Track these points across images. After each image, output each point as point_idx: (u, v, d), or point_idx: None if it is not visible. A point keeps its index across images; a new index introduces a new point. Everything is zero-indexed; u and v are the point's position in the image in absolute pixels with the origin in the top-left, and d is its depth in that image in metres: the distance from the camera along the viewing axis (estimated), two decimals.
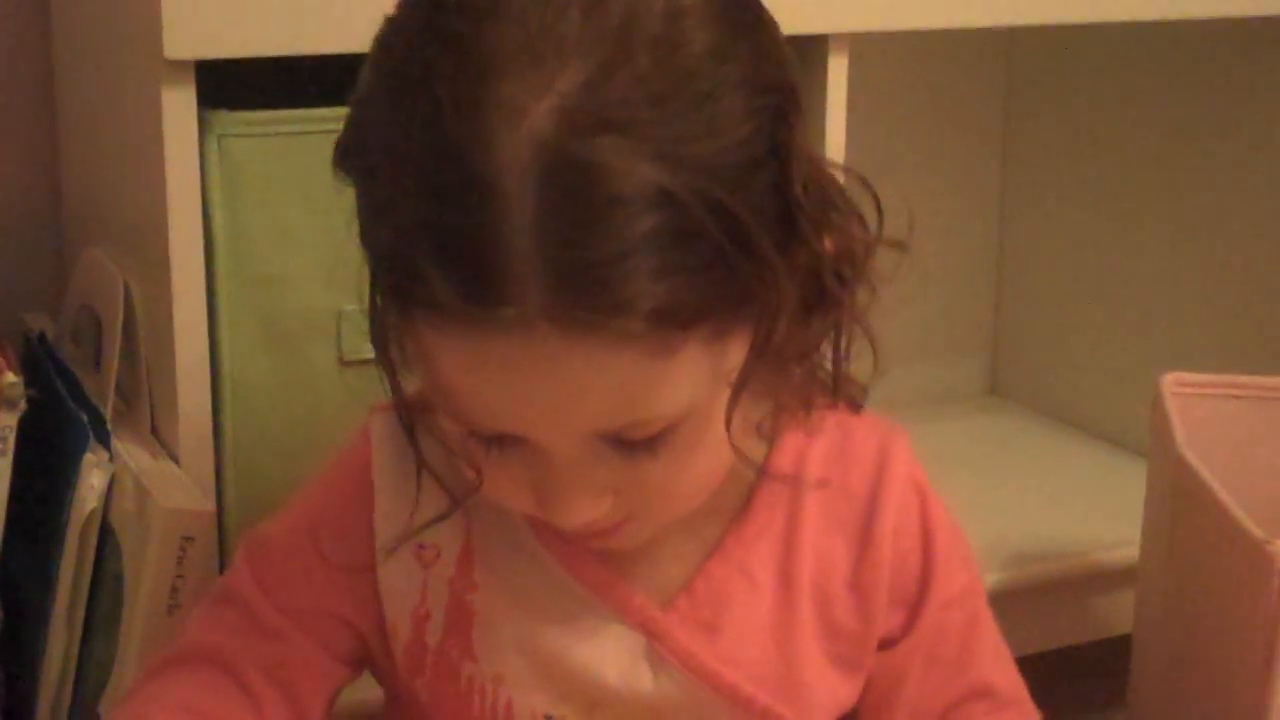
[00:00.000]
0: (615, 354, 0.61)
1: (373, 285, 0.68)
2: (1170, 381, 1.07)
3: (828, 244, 0.68)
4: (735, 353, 0.66)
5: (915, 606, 0.78)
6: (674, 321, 0.61)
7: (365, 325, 0.86)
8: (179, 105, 0.85)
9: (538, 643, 0.74)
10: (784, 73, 0.66)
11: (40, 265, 1.16)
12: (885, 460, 0.77)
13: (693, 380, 0.64)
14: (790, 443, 0.76)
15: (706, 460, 0.69)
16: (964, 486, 0.88)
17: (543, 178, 0.59)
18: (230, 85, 0.89)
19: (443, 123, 0.60)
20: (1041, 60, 1.46)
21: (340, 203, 0.90)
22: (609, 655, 0.74)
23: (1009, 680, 0.82)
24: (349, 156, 0.66)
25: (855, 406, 0.76)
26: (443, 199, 0.60)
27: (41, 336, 1.02)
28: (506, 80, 0.60)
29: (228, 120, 0.88)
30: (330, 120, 0.87)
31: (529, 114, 0.59)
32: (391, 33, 0.65)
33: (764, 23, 0.67)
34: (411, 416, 0.73)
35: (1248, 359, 1.24)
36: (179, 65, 0.85)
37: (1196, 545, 1.01)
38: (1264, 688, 0.91)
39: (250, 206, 0.89)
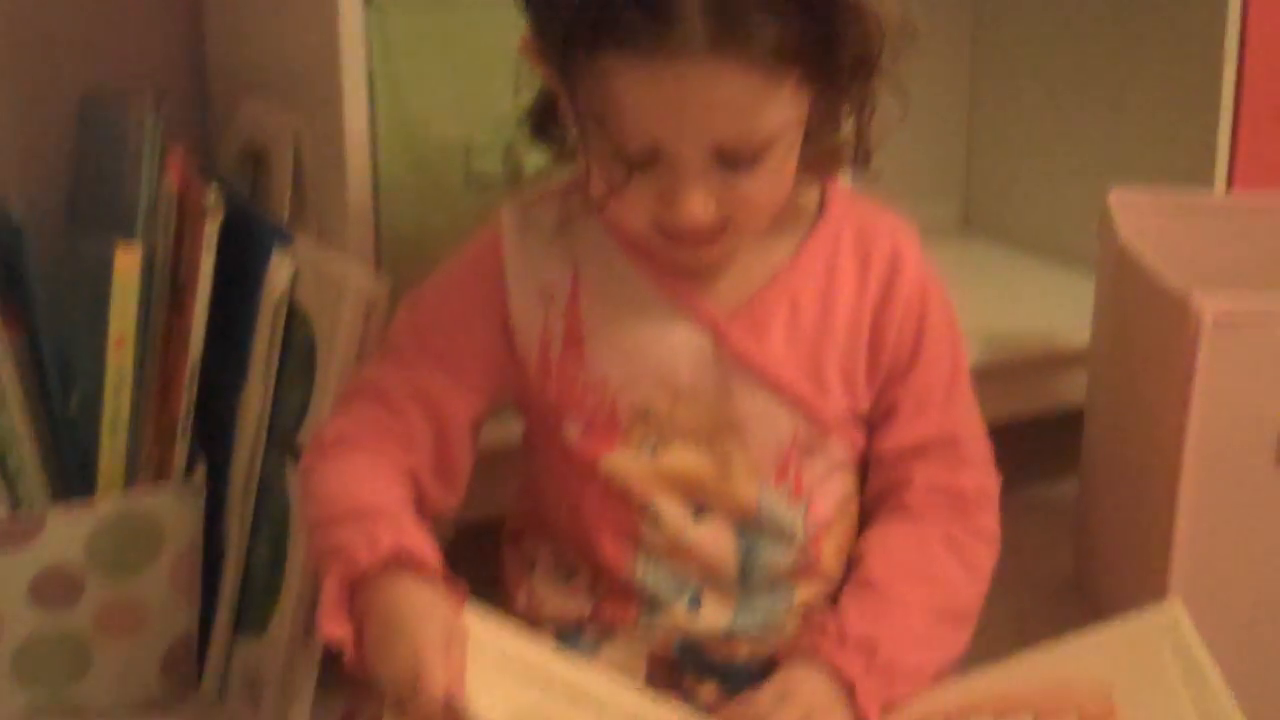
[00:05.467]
0: (746, 76, 0.84)
1: (551, 74, 0.89)
2: (1114, 196, 1.27)
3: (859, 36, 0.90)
4: (806, 104, 0.89)
5: (911, 358, 0.98)
6: (783, 58, 0.84)
7: (487, 153, 1.08)
8: None
9: (632, 347, 0.94)
10: None
11: (182, 112, 1.32)
12: (900, 242, 0.98)
13: (784, 113, 0.87)
14: (834, 212, 0.98)
15: (780, 188, 0.91)
16: None
17: None
18: None
19: None
20: None
21: (471, 54, 1.10)
22: (683, 353, 0.94)
23: (977, 439, 1.00)
24: None
25: (867, 158, 0.95)
26: None
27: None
28: None
29: None
30: None
31: None
32: None
33: None
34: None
35: (1176, 177, 1.43)
36: None
37: (1136, 318, 1.19)
38: (1181, 425, 1.08)
39: (400, 60, 1.06)
